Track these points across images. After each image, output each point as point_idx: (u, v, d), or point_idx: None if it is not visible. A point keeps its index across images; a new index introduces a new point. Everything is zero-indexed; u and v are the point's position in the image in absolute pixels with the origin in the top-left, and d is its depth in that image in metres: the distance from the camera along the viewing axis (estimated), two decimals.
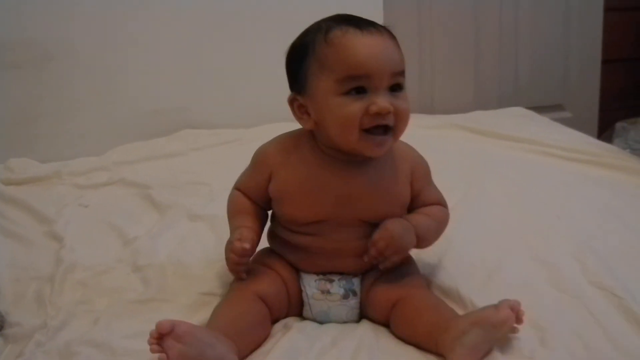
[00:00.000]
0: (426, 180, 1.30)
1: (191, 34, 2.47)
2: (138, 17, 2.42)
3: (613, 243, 1.47)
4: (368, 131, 1.14)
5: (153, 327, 1.15)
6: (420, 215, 1.27)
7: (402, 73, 1.17)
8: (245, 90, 2.47)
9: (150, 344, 1.01)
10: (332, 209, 1.22)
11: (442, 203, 1.32)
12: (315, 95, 1.18)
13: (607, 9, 2.97)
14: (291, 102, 1.23)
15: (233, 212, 1.32)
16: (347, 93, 1.13)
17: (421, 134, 2.34)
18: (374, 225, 1.22)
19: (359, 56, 1.13)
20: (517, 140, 2.27)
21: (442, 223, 1.31)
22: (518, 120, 2.59)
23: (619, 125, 2.92)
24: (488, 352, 1.06)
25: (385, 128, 1.15)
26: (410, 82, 2.79)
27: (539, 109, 2.76)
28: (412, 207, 1.28)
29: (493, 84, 2.96)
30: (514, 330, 1.08)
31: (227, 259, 1.23)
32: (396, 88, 1.16)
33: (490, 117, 2.62)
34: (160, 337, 1.02)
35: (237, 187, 1.34)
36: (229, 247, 1.22)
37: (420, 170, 1.29)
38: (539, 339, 1.10)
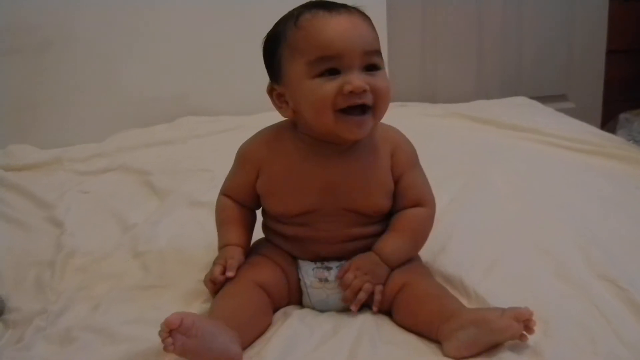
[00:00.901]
0: (408, 165, 1.26)
1: (192, 21, 2.46)
2: (138, 3, 2.41)
3: (617, 234, 1.46)
4: (345, 112, 1.14)
5: (153, 313, 1.15)
6: (391, 239, 1.24)
7: (376, 52, 1.16)
8: (246, 77, 2.44)
9: (163, 338, 0.99)
10: (317, 200, 1.22)
11: (422, 200, 1.27)
12: (290, 81, 1.18)
13: None
14: (270, 92, 1.24)
15: (220, 221, 1.33)
16: (321, 75, 1.13)
17: (423, 123, 2.36)
18: (360, 214, 1.23)
19: (328, 36, 1.13)
20: (519, 129, 2.26)
21: (419, 232, 1.28)
22: (521, 109, 2.58)
23: (622, 116, 2.91)
24: (485, 349, 1.04)
25: (363, 108, 1.14)
26: (412, 70, 2.82)
27: (542, 98, 2.75)
28: (400, 193, 1.26)
29: (496, 73, 2.95)
30: (520, 337, 1.04)
31: (206, 282, 1.25)
32: (372, 68, 1.15)
33: (493, 107, 2.61)
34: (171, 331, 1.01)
35: (224, 193, 1.35)
36: (211, 273, 1.23)
37: (400, 154, 1.26)
38: (542, 330, 1.09)
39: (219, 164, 1.91)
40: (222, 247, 1.29)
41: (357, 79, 1.11)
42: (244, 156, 1.30)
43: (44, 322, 1.21)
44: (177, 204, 1.76)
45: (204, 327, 1.03)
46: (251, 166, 1.27)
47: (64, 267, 1.44)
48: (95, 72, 2.39)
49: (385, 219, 1.27)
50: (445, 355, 1.05)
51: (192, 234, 1.56)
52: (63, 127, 2.37)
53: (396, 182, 1.25)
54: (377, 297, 1.18)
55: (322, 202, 1.22)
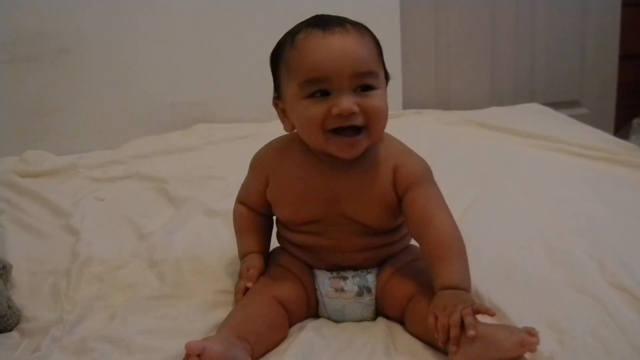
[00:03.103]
0: (413, 181, 1.20)
1: (207, 28, 2.47)
2: (154, 10, 2.42)
3: (631, 243, 1.45)
4: (337, 132, 1.14)
5: (169, 323, 1.16)
6: (443, 269, 1.12)
7: (370, 74, 1.15)
8: (260, 84, 2.44)
9: None
10: (322, 209, 1.22)
11: (429, 216, 1.17)
12: (286, 99, 1.19)
13: (625, 4, 2.95)
14: (275, 105, 1.25)
15: (238, 230, 1.38)
16: (311, 96, 1.13)
17: (437, 130, 2.36)
18: (365, 225, 1.22)
19: (316, 59, 1.13)
20: (533, 136, 2.25)
21: (455, 244, 1.16)
22: (534, 116, 2.57)
23: (635, 121, 2.90)
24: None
25: (356, 128, 1.14)
26: (426, 77, 2.82)
27: (556, 105, 2.75)
28: (404, 209, 1.21)
29: (509, 79, 2.95)
30: (520, 358, 1.02)
31: (235, 298, 1.26)
32: (366, 88, 1.14)
33: (506, 113, 2.61)
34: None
35: (239, 200, 1.39)
36: (237, 286, 1.28)
37: (403, 170, 1.21)
38: (557, 340, 1.09)
39: (232, 172, 1.93)
40: (242, 256, 1.33)
41: (345, 102, 1.11)
42: (255, 164, 1.33)
43: (60, 332, 1.21)
44: (192, 212, 1.76)
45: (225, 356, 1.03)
46: (261, 174, 1.30)
47: (79, 276, 1.44)
48: (111, 79, 2.41)
49: (397, 230, 1.27)
50: None
51: (208, 243, 1.56)
52: (79, 133, 2.39)
53: (401, 198, 1.22)
54: (469, 320, 1.02)
55: (327, 212, 1.22)
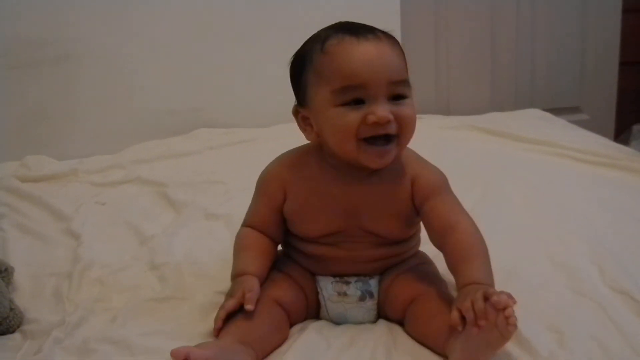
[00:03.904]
0: (431, 193, 1.21)
1: (207, 34, 2.48)
2: (153, 17, 2.43)
3: (631, 246, 1.46)
4: (368, 141, 1.12)
5: (170, 325, 1.16)
6: (465, 269, 1.12)
7: (403, 82, 1.14)
8: (261, 90, 2.47)
9: None
10: (341, 222, 1.21)
11: (449, 222, 1.18)
12: (314, 106, 1.16)
13: (625, 10, 2.95)
14: (295, 113, 1.22)
15: (240, 248, 1.28)
16: (345, 104, 1.11)
17: (437, 135, 2.37)
18: (382, 237, 1.22)
19: (353, 65, 1.11)
20: (533, 142, 2.26)
21: (477, 248, 1.16)
22: (534, 122, 2.58)
23: (636, 128, 2.91)
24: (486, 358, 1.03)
25: (386, 137, 1.13)
26: (426, 83, 2.83)
27: (556, 110, 2.75)
28: (424, 219, 1.22)
29: (509, 85, 2.95)
30: (507, 330, 0.98)
31: (217, 319, 1.15)
32: (398, 97, 1.13)
33: (507, 119, 2.61)
34: None
35: (246, 225, 1.31)
36: (224, 307, 1.15)
37: (421, 182, 1.21)
38: (557, 341, 1.10)
39: (233, 177, 1.94)
40: (237, 275, 1.22)
41: (381, 110, 1.10)
42: (268, 181, 1.27)
43: (62, 334, 1.22)
44: (192, 216, 1.77)
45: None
46: (277, 189, 1.25)
47: (81, 278, 1.45)
48: (111, 85, 2.41)
49: (409, 239, 1.27)
50: None
51: (208, 246, 1.57)
52: (79, 138, 2.39)
53: (419, 209, 1.22)
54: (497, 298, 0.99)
55: (346, 224, 1.21)
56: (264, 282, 1.22)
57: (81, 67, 2.37)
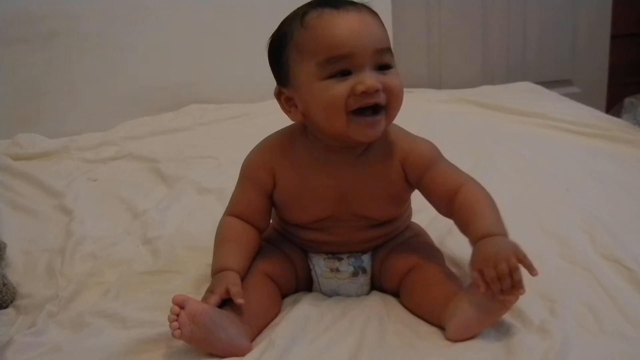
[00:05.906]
0: (425, 166, 1.19)
1: (198, 9, 2.46)
2: None
3: (622, 215, 1.47)
4: (357, 113, 1.09)
5: (163, 298, 1.16)
6: (475, 223, 1.12)
7: (387, 50, 1.11)
8: (251, 65, 2.45)
9: (170, 320, 1.01)
10: (331, 208, 1.20)
11: (454, 186, 1.17)
12: (298, 84, 1.13)
13: None
14: (277, 95, 1.18)
15: (221, 239, 1.24)
16: (331, 76, 1.08)
17: (429, 109, 2.37)
18: (372, 219, 1.21)
19: (337, 35, 1.08)
20: (525, 114, 2.26)
21: (486, 201, 1.16)
22: (526, 94, 2.58)
23: (627, 100, 2.91)
24: (484, 326, 1.05)
25: (374, 108, 1.10)
26: (418, 56, 2.82)
27: (547, 84, 2.75)
28: (426, 191, 1.20)
29: (501, 58, 2.95)
30: (509, 301, 1.03)
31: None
32: (384, 67, 1.11)
33: (498, 92, 2.61)
34: (179, 313, 1.02)
35: (229, 214, 1.27)
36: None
37: (412, 159, 1.19)
38: (549, 309, 1.11)
39: (224, 151, 1.94)
40: (218, 270, 1.18)
41: (369, 79, 1.07)
42: (257, 167, 1.23)
43: (55, 308, 1.22)
44: (185, 190, 1.77)
45: (213, 317, 1.04)
46: (266, 175, 1.22)
47: (73, 253, 1.45)
48: (101, 61, 2.40)
49: (400, 217, 1.26)
50: (447, 339, 1.05)
51: (200, 219, 1.57)
52: (70, 116, 2.38)
53: (418, 184, 1.20)
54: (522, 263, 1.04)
55: (336, 210, 1.20)
56: (244, 277, 1.18)
57: (71, 44, 2.35)
